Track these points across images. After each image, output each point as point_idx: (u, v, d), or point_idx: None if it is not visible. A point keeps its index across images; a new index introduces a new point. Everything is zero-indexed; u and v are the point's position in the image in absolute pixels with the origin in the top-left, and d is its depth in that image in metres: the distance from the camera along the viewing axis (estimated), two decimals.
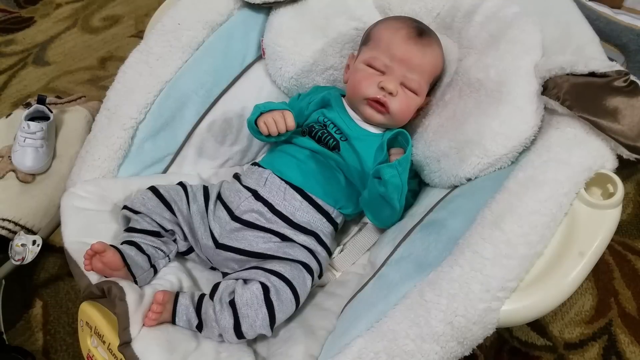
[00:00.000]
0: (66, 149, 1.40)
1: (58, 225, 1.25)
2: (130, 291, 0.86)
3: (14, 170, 1.33)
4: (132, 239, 0.97)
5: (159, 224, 1.00)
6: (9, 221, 1.25)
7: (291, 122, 1.01)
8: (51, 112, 1.35)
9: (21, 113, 1.35)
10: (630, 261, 1.38)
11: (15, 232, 1.24)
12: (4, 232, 1.24)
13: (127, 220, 1.02)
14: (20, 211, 1.27)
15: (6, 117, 1.46)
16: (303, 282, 0.94)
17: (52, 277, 1.44)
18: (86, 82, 1.96)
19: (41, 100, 1.34)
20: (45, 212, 1.32)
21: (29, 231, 1.30)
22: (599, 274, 1.36)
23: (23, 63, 2.07)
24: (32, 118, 1.33)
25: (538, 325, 1.29)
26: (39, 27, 2.22)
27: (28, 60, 2.08)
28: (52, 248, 1.44)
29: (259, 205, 1.01)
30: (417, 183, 1.09)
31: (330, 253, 1.05)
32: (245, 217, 1.00)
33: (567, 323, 1.29)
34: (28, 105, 1.36)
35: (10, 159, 1.32)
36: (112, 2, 2.31)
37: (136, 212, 1.00)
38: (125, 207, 1.01)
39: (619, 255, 1.39)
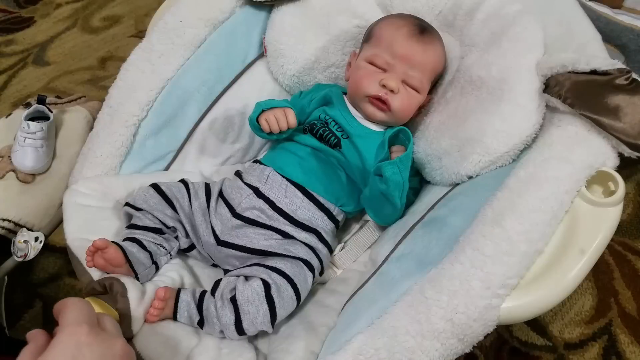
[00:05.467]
0: (66, 149, 1.39)
1: (58, 225, 1.25)
2: (132, 287, 0.86)
3: (14, 170, 1.32)
4: (134, 236, 0.97)
5: (160, 221, 1.00)
6: (9, 221, 1.24)
7: (292, 120, 1.02)
8: (51, 112, 1.34)
9: (21, 113, 1.34)
10: (630, 261, 1.39)
11: (15, 232, 1.24)
12: (3, 232, 1.24)
13: (129, 217, 1.02)
14: (20, 211, 1.26)
15: (6, 117, 1.45)
16: (304, 279, 0.94)
17: (52, 277, 1.44)
18: (86, 82, 1.96)
19: (41, 100, 1.34)
20: (45, 212, 1.31)
21: (29, 231, 1.29)
22: (599, 274, 1.37)
23: (23, 63, 2.07)
24: (32, 118, 1.32)
25: (538, 325, 1.29)
26: (39, 27, 2.22)
27: (28, 60, 2.08)
28: (52, 248, 1.44)
29: (260, 203, 1.01)
30: (418, 181, 1.09)
31: (331, 250, 1.05)
32: (247, 214, 1.00)
33: (567, 323, 1.29)
34: (28, 105, 1.36)
35: (10, 159, 1.32)
36: (112, 2, 2.31)
37: (138, 209, 1.00)
38: (127, 204, 1.01)
39: (619, 255, 1.40)
